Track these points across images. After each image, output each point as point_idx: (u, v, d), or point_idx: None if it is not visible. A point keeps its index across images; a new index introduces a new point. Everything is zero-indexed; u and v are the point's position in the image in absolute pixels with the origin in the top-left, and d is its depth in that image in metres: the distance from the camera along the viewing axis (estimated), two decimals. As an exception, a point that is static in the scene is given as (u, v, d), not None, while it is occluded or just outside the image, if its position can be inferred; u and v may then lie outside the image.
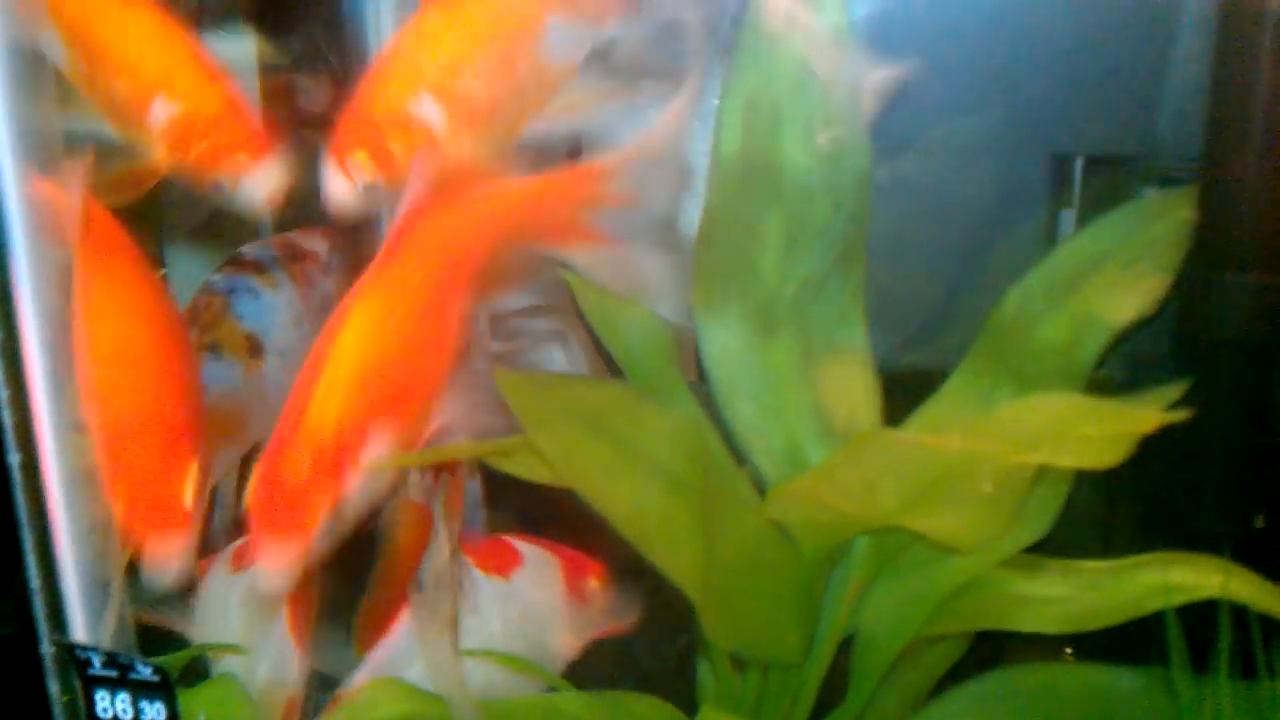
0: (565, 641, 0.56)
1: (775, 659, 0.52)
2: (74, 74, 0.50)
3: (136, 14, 0.50)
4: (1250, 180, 0.51)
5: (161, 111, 0.49)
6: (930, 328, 0.60)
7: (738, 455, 0.54)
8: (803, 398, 0.54)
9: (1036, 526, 0.52)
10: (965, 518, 0.48)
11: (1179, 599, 0.49)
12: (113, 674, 0.35)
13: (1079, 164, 0.60)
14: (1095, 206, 0.56)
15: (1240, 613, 0.49)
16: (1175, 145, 0.57)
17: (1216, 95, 0.53)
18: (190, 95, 0.49)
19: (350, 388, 0.45)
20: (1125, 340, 0.54)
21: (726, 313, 0.52)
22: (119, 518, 0.49)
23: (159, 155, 0.50)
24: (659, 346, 0.52)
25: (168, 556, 0.47)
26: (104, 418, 0.49)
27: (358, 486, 0.45)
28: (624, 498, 0.48)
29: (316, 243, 0.68)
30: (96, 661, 0.35)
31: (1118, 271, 0.53)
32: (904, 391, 0.56)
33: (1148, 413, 0.44)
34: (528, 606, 0.56)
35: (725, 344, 0.53)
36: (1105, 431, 0.43)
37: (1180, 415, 0.47)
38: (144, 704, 0.35)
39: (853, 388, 0.54)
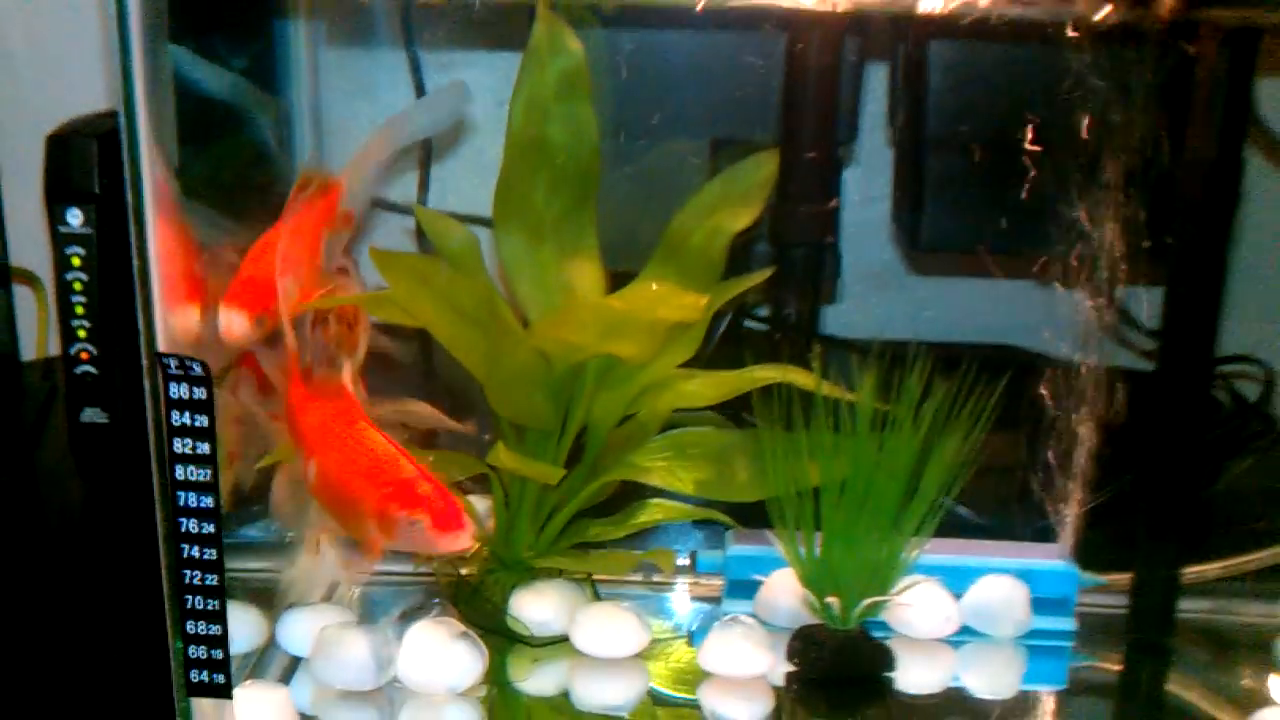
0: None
1: (540, 427, 0.85)
2: None
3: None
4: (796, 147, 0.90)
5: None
6: (636, 243, 0.96)
7: (518, 313, 0.89)
8: (556, 280, 0.89)
9: (686, 350, 0.88)
10: (637, 345, 0.82)
11: (760, 384, 0.85)
12: (179, 371, 0.66)
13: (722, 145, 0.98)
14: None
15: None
16: (772, 130, 0.96)
17: (784, 95, 0.92)
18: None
19: None
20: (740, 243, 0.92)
21: (513, 230, 0.86)
22: None
23: None
24: (468, 246, 0.87)
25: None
26: None
27: None
28: (447, 330, 0.83)
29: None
30: (172, 364, 0.66)
31: (734, 202, 0.91)
32: (621, 281, 0.92)
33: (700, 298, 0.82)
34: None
35: (512, 248, 0.86)
36: (682, 302, 0.81)
37: (747, 281, 0.86)
38: (196, 390, 0.66)
39: (586, 276, 0.90)
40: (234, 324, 0.76)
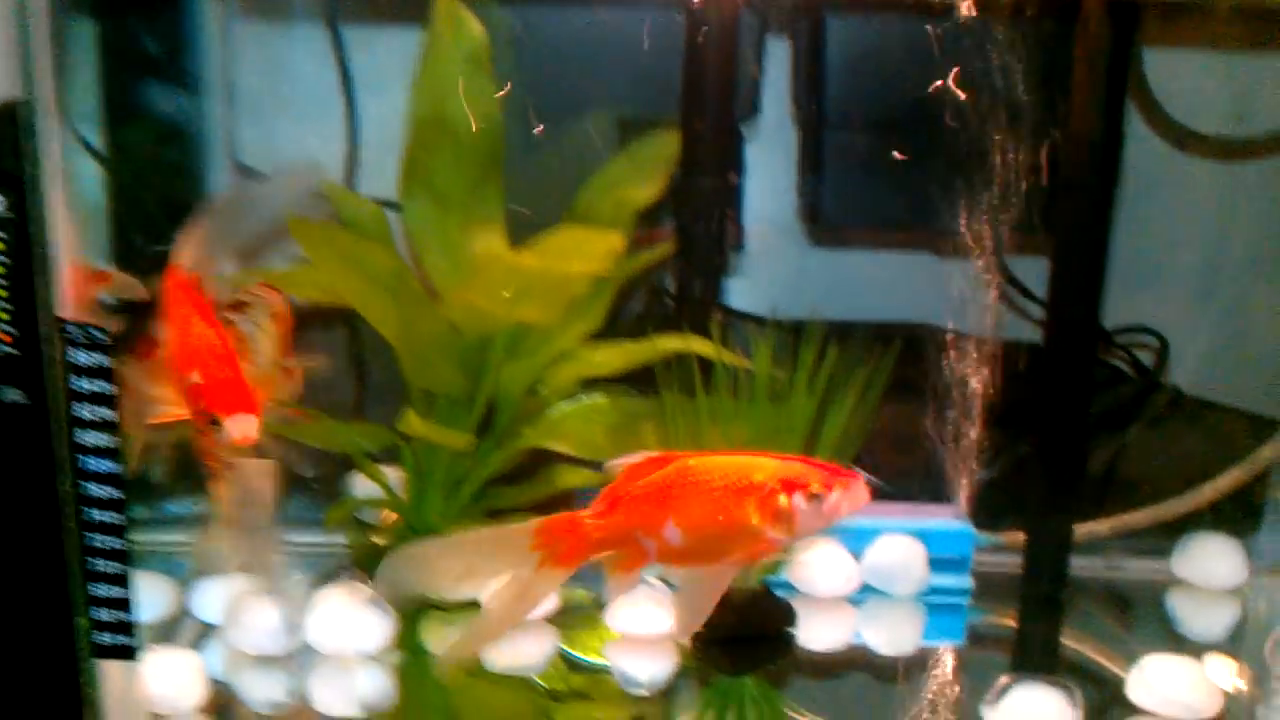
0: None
1: (451, 396, 0.87)
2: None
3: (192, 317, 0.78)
4: (696, 123, 0.93)
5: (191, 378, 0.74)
6: (544, 218, 0.97)
7: (427, 286, 0.91)
8: (463, 251, 0.91)
9: (593, 321, 0.90)
10: (547, 306, 0.84)
11: (664, 354, 0.87)
12: (81, 338, 0.67)
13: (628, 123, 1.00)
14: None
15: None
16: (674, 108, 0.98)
17: (684, 71, 0.94)
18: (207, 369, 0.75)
19: None
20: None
21: (418, 202, 0.87)
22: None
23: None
24: (374, 219, 0.89)
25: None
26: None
27: None
28: (361, 299, 0.84)
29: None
30: (73, 330, 0.67)
31: (638, 176, 0.93)
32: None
33: (612, 239, 0.84)
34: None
35: (418, 220, 0.88)
36: (595, 249, 0.83)
37: (651, 255, 0.89)
38: (98, 356, 0.67)
39: (493, 247, 0.92)
40: (248, 428, 0.73)
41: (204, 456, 0.77)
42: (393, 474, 0.92)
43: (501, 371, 0.89)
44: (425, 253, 0.89)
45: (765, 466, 0.66)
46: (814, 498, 0.65)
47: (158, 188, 1.04)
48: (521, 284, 0.83)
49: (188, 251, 0.82)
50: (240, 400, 0.71)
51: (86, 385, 0.68)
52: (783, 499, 0.65)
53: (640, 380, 0.89)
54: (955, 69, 0.90)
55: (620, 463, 0.69)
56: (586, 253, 0.83)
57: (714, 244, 0.94)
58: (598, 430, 0.90)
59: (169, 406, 0.76)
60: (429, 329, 0.86)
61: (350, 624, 0.81)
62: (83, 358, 0.66)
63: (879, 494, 0.76)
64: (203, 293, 0.79)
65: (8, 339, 1.09)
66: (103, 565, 0.70)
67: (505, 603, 0.68)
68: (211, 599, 0.85)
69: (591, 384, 0.91)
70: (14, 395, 1.10)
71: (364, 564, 0.89)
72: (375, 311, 0.84)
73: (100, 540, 0.70)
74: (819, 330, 0.86)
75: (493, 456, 0.89)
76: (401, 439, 0.88)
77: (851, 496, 0.65)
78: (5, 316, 1.09)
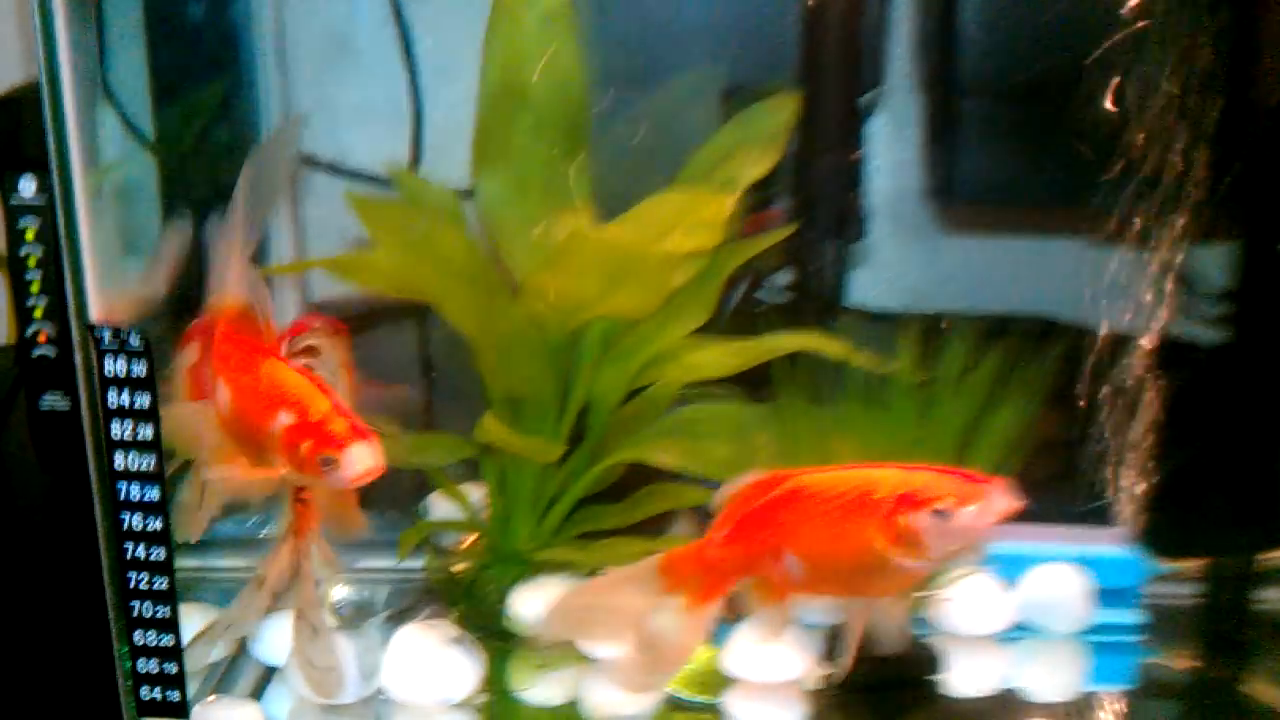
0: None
1: (537, 400, 0.77)
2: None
3: (270, 362, 0.64)
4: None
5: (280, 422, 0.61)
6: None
7: (503, 272, 0.80)
8: (544, 235, 0.79)
9: (699, 314, 0.78)
10: (642, 296, 0.74)
11: (781, 353, 0.76)
12: (115, 345, 0.57)
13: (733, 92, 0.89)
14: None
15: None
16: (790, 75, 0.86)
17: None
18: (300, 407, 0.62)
19: None
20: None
21: (493, 178, 0.77)
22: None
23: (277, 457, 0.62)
24: (448, 203, 0.78)
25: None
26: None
27: None
28: (432, 286, 0.74)
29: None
30: (106, 337, 0.57)
31: (749, 149, 0.81)
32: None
33: (722, 204, 0.72)
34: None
35: (494, 198, 0.78)
36: (700, 217, 0.71)
37: (766, 240, 0.77)
38: (134, 365, 0.57)
39: (579, 223, 0.78)
40: (372, 457, 0.61)
41: (299, 506, 0.66)
42: (475, 491, 0.81)
43: (595, 374, 0.78)
44: (503, 237, 0.78)
45: (886, 480, 0.58)
46: (941, 514, 0.56)
47: (209, 170, 0.94)
48: (615, 268, 0.72)
49: (234, 278, 0.68)
50: (353, 429, 0.60)
51: (124, 399, 0.58)
52: (905, 518, 0.57)
53: (752, 385, 0.79)
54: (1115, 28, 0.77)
55: (732, 487, 0.63)
56: (692, 224, 0.71)
57: (835, 228, 0.82)
58: (706, 442, 0.78)
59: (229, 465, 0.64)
60: (510, 324, 0.75)
61: (431, 667, 0.71)
62: (113, 366, 0.57)
63: (1033, 513, 0.65)
64: (257, 325, 0.66)
65: (44, 338, 1.02)
66: (147, 609, 0.60)
67: (657, 649, 0.63)
68: (273, 638, 0.74)
69: (698, 388, 0.80)
70: (55, 401, 1.03)
71: (443, 594, 0.78)
72: (451, 303, 0.74)
73: (143, 579, 0.60)
74: (967, 327, 0.74)
75: (586, 471, 0.79)
76: (482, 452, 0.77)
77: (988, 509, 0.56)
78: (40, 313, 1.02)
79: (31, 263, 0.95)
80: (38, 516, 0.96)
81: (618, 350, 0.79)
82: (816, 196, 0.83)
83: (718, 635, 0.77)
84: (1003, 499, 0.56)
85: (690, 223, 0.71)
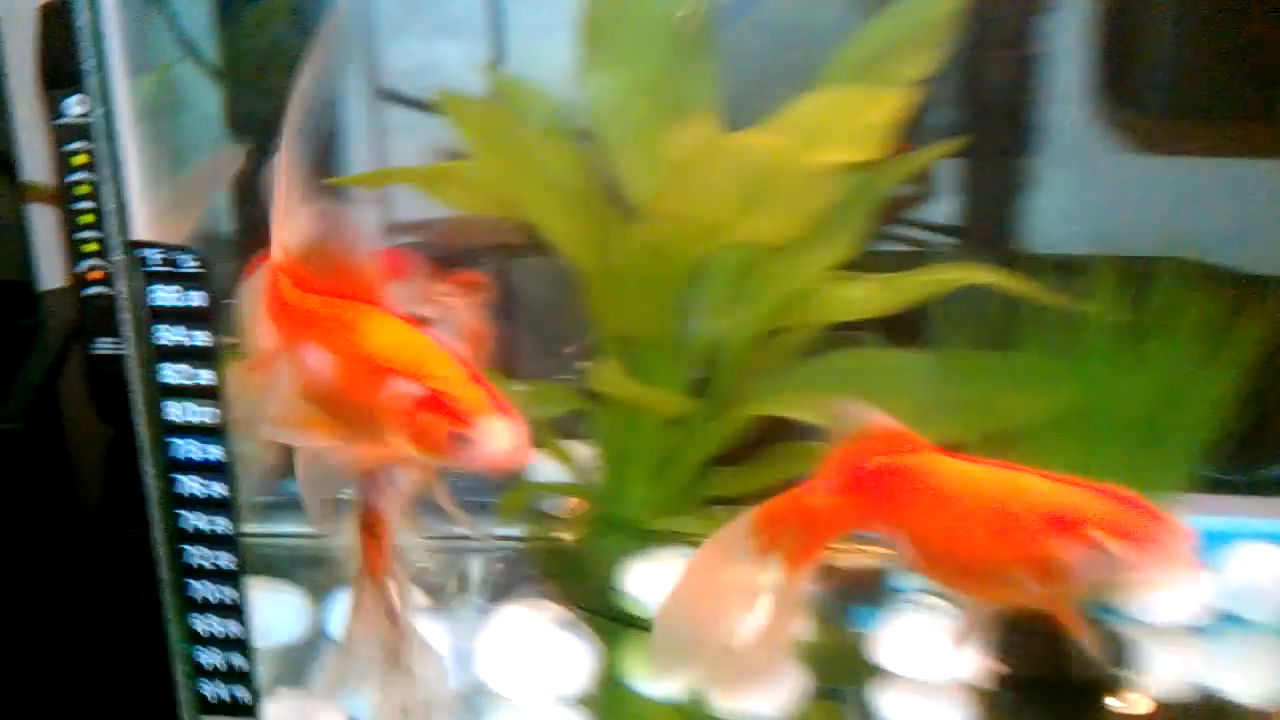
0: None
1: (657, 345, 0.68)
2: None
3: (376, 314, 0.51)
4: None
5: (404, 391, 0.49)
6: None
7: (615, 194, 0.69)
8: (663, 141, 0.68)
9: (848, 245, 0.68)
10: (783, 219, 0.63)
11: (947, 288, 0.66)
12: (164, 268, 0.47)
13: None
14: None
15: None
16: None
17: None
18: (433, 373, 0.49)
19: None
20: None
21: (603, 82, 0.67)
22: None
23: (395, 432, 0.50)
24: (553, 112, 0.68)
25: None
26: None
27: None
28: (534, 203, 0.64)
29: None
30: (153, 258, 0.46)
31: (905, 45, 0.69)
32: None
33: (887, 103, 0.60)
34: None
35: (604, 105, 0.68)
36: (871, 117, 0.59)
37: (930, 153, 0.64)
38: (189, 294, 0.47)
39: (704, 133, 0.69)
40: (517, 437, 0.49)
41: (369, 540, 0.55)
42: (583, 450, 0.72)
43: (725, 311, 0.68)
44: (616, 151, 0.68)
45: (1038, 492, 0.50)
46: (1095, 546, 0.48)
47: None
48: (754, 183, 0.62)
49: (294, 207, 0.54)
50: (494, 400, 0.48)
51: (177, 334, 0.48)
52: (1051, 541, 0.49)
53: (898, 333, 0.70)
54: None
55: (848, 424, 0.55)
56: (853, 130, 0.59)
57: (1008, 144, 0.70)
58: (856, 395, 0.67)
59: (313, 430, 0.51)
60: (626, 252, 0.66)
61: (538, 655, 0.61)
62: (164, 294, 0.46)
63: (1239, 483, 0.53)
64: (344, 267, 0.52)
65: (98, 275, 0.94)
66: (210, 591, 0.50)
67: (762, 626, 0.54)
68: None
69: (845, 331, 0.70)
70: (110, 345, 0.95)
71: (547, 568, 0.69)
72: (556, 226, 0.63)
73: (204, 557, 0.50)
74: (1175, 268, 0.62)
75: (712, 427, 0.69)
76: (592, 404, 0.66)
77: (1157, 549, 0.48)
78: (94, 247, 0.93)
79: (83, 190, 0.85)
80: (99, 474, 0.90)
81: (752, 284, 0.69)
82: (982, 105, 0.70)
83: (861, 618, 0.66)
84: (1176, 542, 0.48)
85: (851, 128, 0.59)
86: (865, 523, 0.55)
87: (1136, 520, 0.48)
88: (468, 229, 0.85)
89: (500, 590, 0.69)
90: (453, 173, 0.64)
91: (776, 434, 0.71)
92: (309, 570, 0.71)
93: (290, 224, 0.52)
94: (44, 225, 1.10)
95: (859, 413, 0.55)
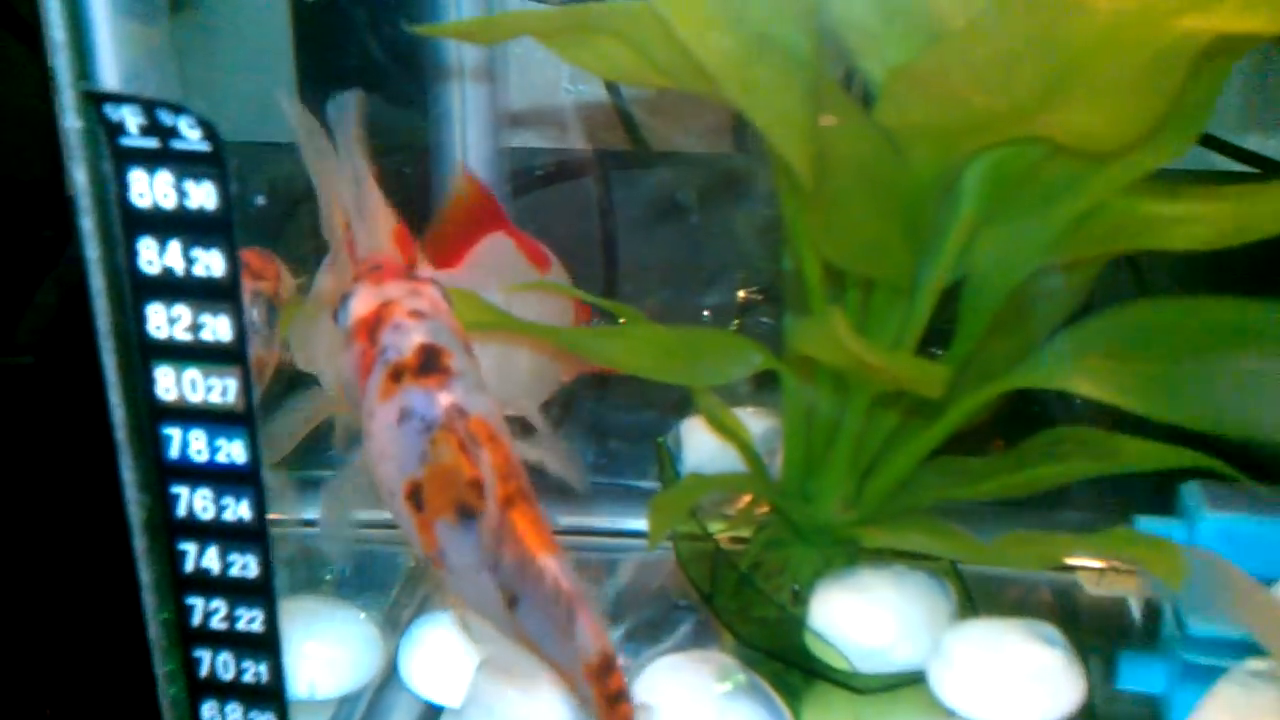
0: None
1: (880, 276, 0.48)
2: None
3: None
4: None
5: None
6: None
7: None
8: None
9: (1178, 143, 0.48)
10: (1111, 109, 0.42)
11: None
12: (149, 137, 0.27)
13: None
14: None
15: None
16: None
17: None
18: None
19: None
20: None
21: None
22: None
23: None
24: None
25: None
26: None
27: None
28: (749, 87, 0.42)
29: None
30: (126, 120, 0.26)
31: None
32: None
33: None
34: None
35: None
36: None
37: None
38: (195, 177, 0.27)
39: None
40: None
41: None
42: (759, 423, 0.51)
43: (973, 250, 0.47)
44: (846, 25, 0.46)
45: None
46: None
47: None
48: (1072, 58, 0.40)
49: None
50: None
51: (171, 255, 0.29)
52: None
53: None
54: None
55: None
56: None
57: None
58: (1164, 362, 0.46)
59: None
60: (853, 154, 0.43)
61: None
62: (152, 186, 0.27)
63: None
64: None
65: None
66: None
67: None
68: (438, 661, 0.46)
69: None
70: None
71: (705, 588, 0.49)
72: (762, 106, 0.42)
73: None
74: None
75: (952, 406, 0.48)
76: (777, 366, 0.47)
77: None
78: None
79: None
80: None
81: (1014, 205, 0.46)
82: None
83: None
84: None
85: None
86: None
87: None
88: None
89: (646, 630, 0.49)
90: (610, 17, 0.43)
91: (1028, 413, 0.52)
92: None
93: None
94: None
95: None
